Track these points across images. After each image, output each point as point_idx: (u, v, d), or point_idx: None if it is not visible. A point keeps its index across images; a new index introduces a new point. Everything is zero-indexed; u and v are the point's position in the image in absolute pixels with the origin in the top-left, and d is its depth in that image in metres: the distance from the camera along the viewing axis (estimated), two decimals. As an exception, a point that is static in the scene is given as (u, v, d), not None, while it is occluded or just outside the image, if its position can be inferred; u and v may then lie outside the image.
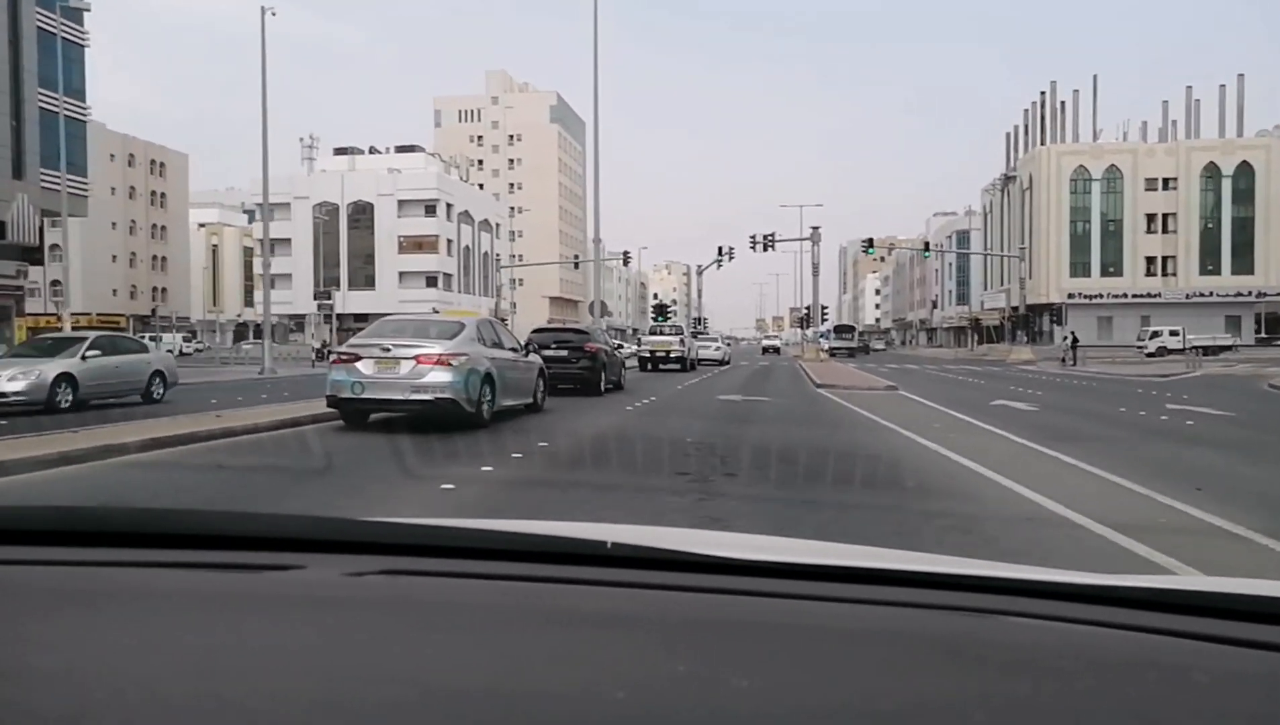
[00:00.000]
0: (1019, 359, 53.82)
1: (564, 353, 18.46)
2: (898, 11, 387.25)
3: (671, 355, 32.92)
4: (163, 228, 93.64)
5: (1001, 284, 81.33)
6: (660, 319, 47.77)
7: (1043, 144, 73.88)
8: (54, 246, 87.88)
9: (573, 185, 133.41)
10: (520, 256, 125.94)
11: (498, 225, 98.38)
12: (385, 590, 1.02)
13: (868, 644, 0.88)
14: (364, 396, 11.39)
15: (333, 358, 12.34)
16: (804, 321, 77.20)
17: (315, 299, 51.00)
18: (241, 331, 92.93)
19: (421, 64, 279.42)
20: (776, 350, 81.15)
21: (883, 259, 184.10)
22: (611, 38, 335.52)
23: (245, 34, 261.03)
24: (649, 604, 0.99)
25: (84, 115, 39.14)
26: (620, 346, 27.88)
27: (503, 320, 57.23)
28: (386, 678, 0.77)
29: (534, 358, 14.76)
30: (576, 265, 64.63)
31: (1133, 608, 0.96)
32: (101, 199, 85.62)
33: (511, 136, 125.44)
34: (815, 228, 48.32)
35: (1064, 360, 44.84)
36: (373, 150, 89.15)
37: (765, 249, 53.84)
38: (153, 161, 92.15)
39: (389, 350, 11.41)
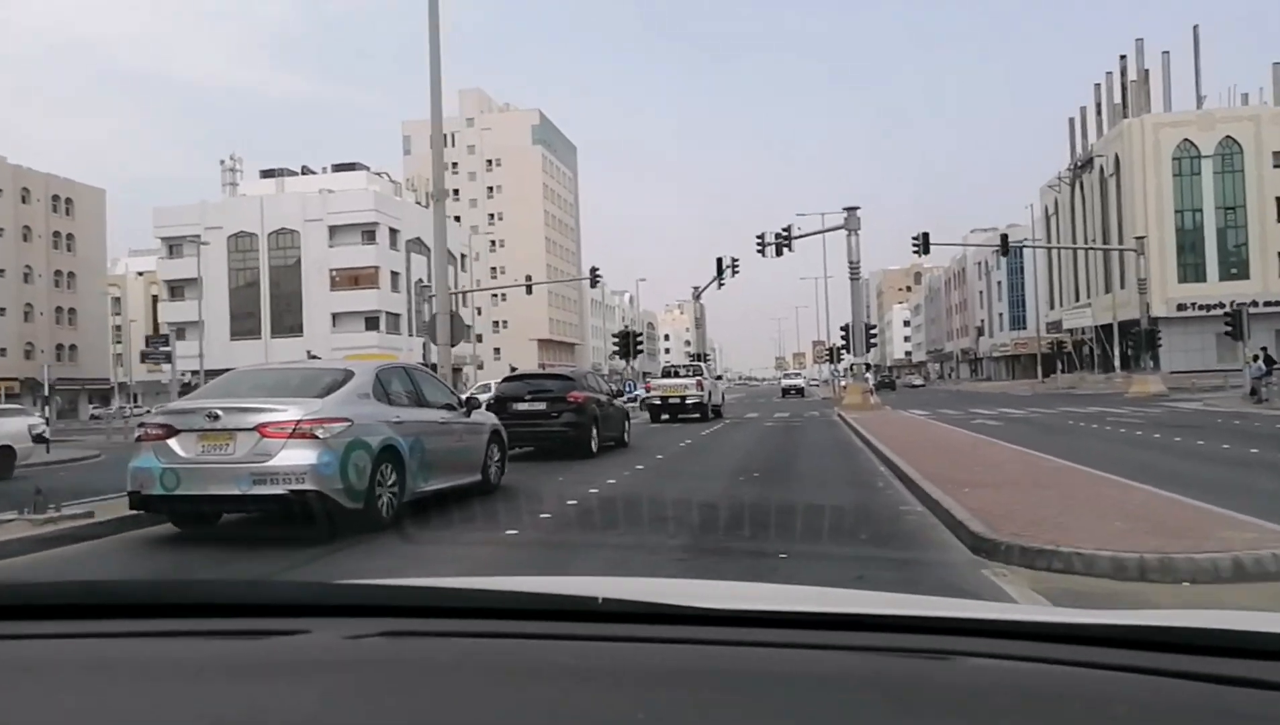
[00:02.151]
0: (1145, 392, 37.67)
1: (542, 405, 14.98)
2: (917, 23, 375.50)
3: (688, 401, 26.89)
4: (70, 275, 79.12)
5: (1078, 298, 65.26)
6: (623, 356, 32.32)
7: (1125, 118, 58.08)
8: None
9: (561, 214, 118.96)
10: (504, 296, 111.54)
11: (463, 256, 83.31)
12: (385, 652, 1.05)
13: (839, 690, 0.90)
14: (179, 492, 7.45)
15: (138, 433, 8.07)
16: (833, 354, 61.13)
17: (146, 347, 35.77)
18: (185, 389, 77.81)
19: (393, 90, 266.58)
20: (800, 391, 65.24)
21: (911, 286, 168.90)
22: (615, 58, 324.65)
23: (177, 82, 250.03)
24: (637, 657, 1.01)
25: None
26: (621, 393, 22.70)
27: (428, 366, 42.24)
28: None
29: (481, 417, 10.50)
30: (529, 290, 49.23)
31: (1077, 644, 0.98)
32: (-16, 241, 72.23)
33: (490, 161, 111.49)
34: (852, 209, 32.70)
35: (1255, 393, 28.64)
36: (305, 170, 74.72)
37: (779, 252, 38.27)
38: (56, 197, 77.91)
39: (217, 418, 7.43)
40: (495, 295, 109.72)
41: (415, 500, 8.35)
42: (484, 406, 11.41)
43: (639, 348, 32.36)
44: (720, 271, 49.05)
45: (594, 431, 15.12)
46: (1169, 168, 54.58)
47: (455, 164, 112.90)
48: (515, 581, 1.37)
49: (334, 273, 67.25)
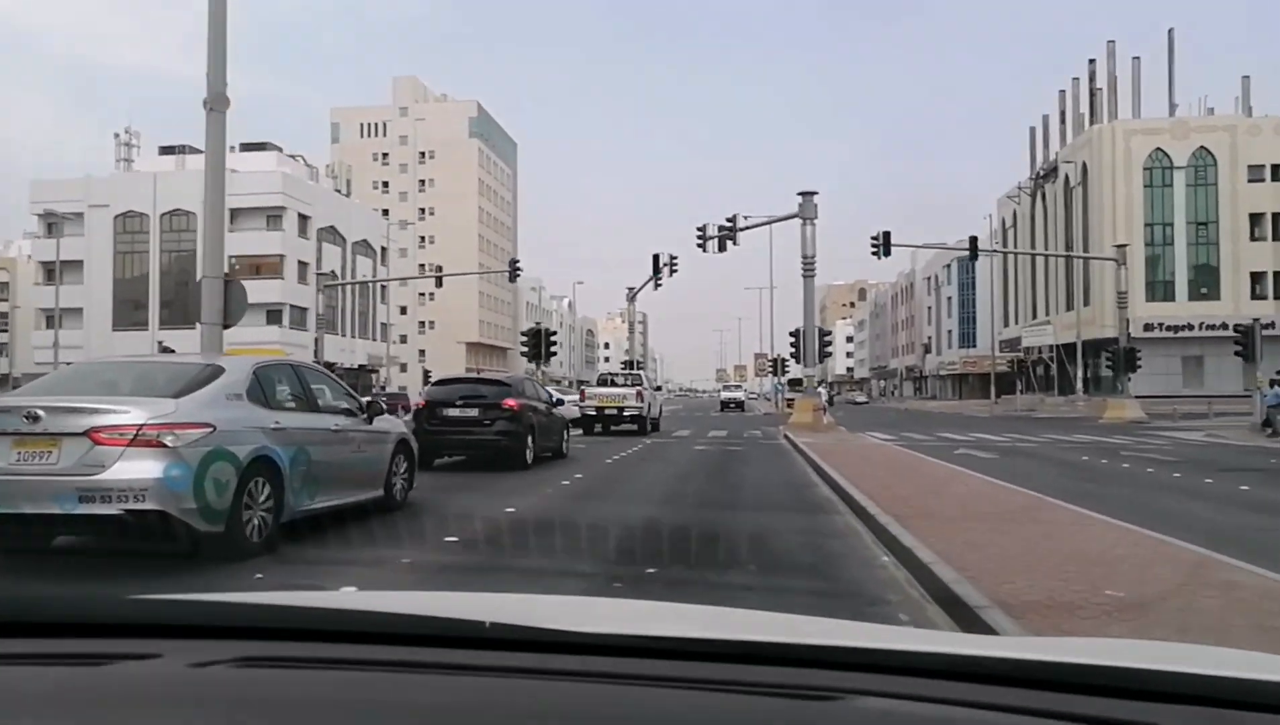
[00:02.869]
0: (1121, 418, 33.72)
1: (474, 412, 14.23)
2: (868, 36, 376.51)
3: (626, 413, 25.04)
4: (-58, 253, 71.32)
5: (1034, 316, 61.65)
6: (533, 357, 27.14)
7: (1093, 125, 54.54)
8: None
9: (497, 211, 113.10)
10: (432, 294, 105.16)
11: (383, 249, 77.05)
12: (236, 685, 0.96)
13: None
14: None
15: None
16: (776, 366, 56.54)
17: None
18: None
19: (335, 87, 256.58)
20: (739, 404, 60.70)
21: (854, 301, 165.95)
22: (565, 57, 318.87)
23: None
24: (525, 693, 0.95)
25: None
26: (561, 402, 20.30)
27: (325, 365, 36.20)
28: None
29: (386, 423, 9.33)
30: (438, 281, 43.78)
31: (980, 683, 0.95)
32: None
33: (423, 154, 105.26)
34: (808, 194, 27.79)
35: (1270, 424, 24.41)
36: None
37: (722, 247, 33.48)
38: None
39: (38, 418, 6.15)
40: (422, 294, 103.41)
41: (300, 520, 7.35)
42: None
43: (552, 348, 27.13)
44: (657, 270, 44.11)
45: (530, 441, 14.35)
46: (1140, 178, 51.05)
47: (386, 155, 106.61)
48: (395, 599, 1.22)
49: (233, 260, 60.55)
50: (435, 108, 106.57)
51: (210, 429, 6.44)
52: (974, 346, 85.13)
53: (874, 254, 37.49)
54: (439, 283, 44.23)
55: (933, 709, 0.88)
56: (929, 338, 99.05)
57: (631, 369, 54.27)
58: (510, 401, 14.27)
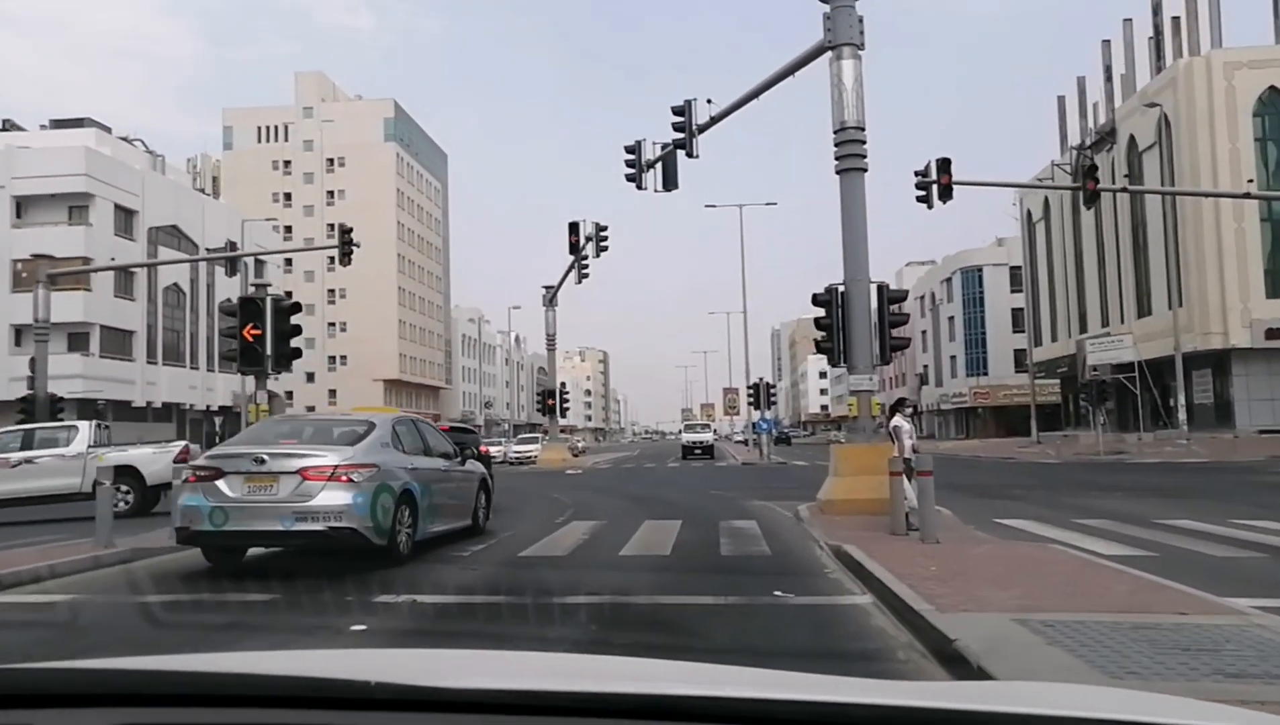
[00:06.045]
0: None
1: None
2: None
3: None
4: None
5: (1083, 328, 47.40)
6: (260, 374, 11.91)
7: (1180, 58, 40.71)
8: None
9: (422, 228, 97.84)
10: (343, 324, 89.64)
11: (262, 262, 61.42)
12: None
13: None
14: (227, 527, 8.62)
15: (186, 475, 9.17)
16: (759, 394, 41.44)
17: None
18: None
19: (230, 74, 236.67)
20: (707, 450, 45.98)
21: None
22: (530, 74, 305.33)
23: None
24: None
25: None
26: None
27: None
28: None
29: (473, 467, 11.96)
30: (249, 280, 28.57)
31: None
32: None
33: (332, 161, 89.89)
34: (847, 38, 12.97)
35: None
36: (9, 125, 52.40)
37: (669, 180, 18.93)
38: None
39: (263, 462, 8.67)
40: (332, 324, 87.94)
41: (423, 540, 9.55)
42: None
43: (292, 342, 11.97)
44: (578, 249, 29.19)
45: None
46: (1249, 127, 37.26)
47: (288, 162, 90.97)
48: (268, 659, 1.20)
49: (19, 265, 44.90)
50: (345, 108, 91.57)
51: (376, 468, 8.87)
52: (985, 374, 71.19)
53: (921, 200, 23.28)
54: (260, 270, 28.87)
55: None
56: (924, 367, 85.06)
57: (549, 398, 39.07)
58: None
